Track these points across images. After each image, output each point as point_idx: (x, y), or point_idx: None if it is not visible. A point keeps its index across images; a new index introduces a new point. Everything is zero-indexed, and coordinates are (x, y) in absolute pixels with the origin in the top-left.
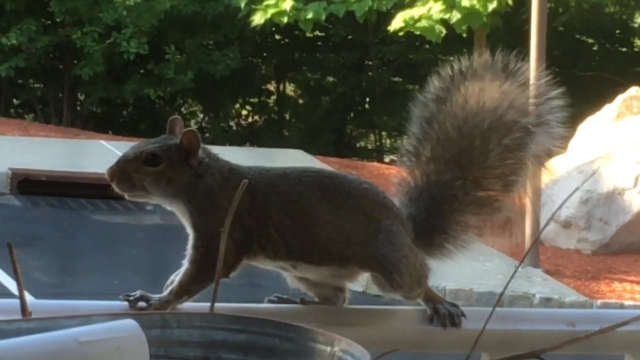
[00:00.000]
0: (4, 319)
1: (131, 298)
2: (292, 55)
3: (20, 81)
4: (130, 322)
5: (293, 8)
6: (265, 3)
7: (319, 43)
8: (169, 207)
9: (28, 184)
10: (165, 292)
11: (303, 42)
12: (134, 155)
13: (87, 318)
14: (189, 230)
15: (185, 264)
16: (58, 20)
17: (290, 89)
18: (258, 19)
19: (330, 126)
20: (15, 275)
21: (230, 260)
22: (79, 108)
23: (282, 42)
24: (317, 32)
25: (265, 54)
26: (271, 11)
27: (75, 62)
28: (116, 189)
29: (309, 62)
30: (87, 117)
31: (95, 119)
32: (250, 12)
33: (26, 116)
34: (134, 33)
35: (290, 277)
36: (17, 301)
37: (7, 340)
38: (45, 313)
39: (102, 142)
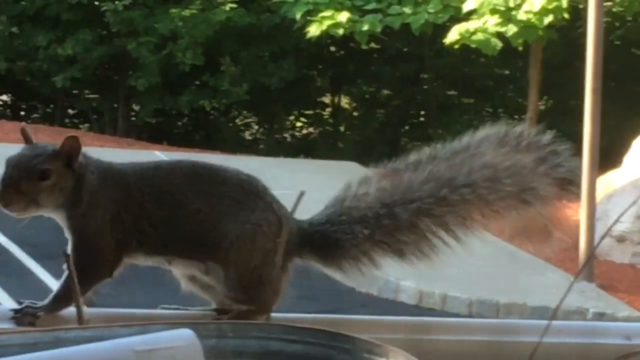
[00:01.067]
0: (61, 327)
1: (18, 315)
2: (347, 67)
3: (75, 91)
4: (186, 332)
5: (349, 20)
6: (321, 15)
7: (375, 55)
8: (48, 215)
9: None
10: (50, 299)
11: (358, 54)
12: (26, 173)
13: (144, 327)
14: (68, 234)
15: (67, 268)
16: (114, 30)
17: (345, 101)
18: (314, 30)
19: (385, 139)
20: (72, 284)
21: (111, 260)
22: (133, 118)
23: (338, 54)
24: (372, 45)
25: (320, 66)
26: (327, 23)
27: (130, 72)
28: (9, 212)
29: (364, 75)
30: (141, 128)
31: (150, 129)
32: (306, 23)
33: (81, 126)
34: (190, 44)
35: (182, 280)
36: (73, 309)
37: (64, 348)
38: (101, 321)
39: (157, 152)
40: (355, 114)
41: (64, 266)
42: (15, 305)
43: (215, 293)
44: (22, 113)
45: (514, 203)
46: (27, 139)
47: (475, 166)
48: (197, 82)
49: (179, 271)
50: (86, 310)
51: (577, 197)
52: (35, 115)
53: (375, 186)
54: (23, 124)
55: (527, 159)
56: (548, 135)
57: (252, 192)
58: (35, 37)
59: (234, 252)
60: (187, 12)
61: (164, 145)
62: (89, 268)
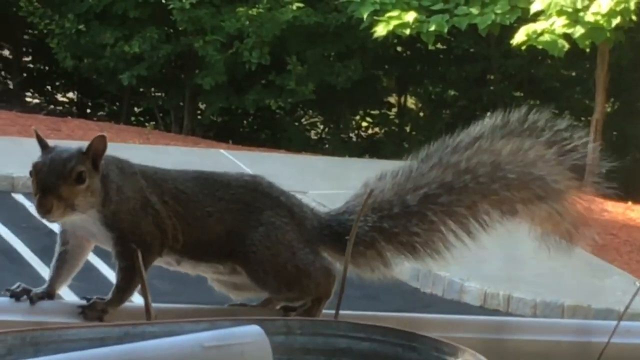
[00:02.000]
0: (130, 322)
1: (86, 310)
2: (413, 67)
3: (141, 89)
4: (254, 328)
5: (416, 20)
6: (388, 15)
7: (441, 56)
8: (75, 218)
9: None
10: (113, 293)
11: (425, 54)
12: (62, 177)
13: (212, 323)
14: (100, 233)
15: (118, 264)
16: (180, 29)
17: (411, 101)
18: (380, 30)
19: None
20: (141, 279)
21: (156, 240)
22: (199, 117)
23: (404, 54)
24: (439, 45)
25: (386, 66)
26: (394, 23)
27: (196, 71)
28: (49, 220)
29: (430, 75)
30: (207, 126)
31: (216, 128)
32: (373, 23)
33: (147, 124)
34: (256, 43)
35: (215, 282)
36: (141, 305)
37: (132, 344)
38: (169, 317)
39: (222, 151)
40: (421, 114)
41: (52, 264)
42: (79, 301)
43: (248, 290)
44: (88, 111)
45: (524, 196)
46: (43, 142)
47: (477, 151)
48: (263, 81)
49: (188, 271)
50: (154, 305)
51: (600, 190)
52: (101, 112)
53: (391, 180)
54: (34, 127)
55: (534, 143)
56: (564, 120)
57: (257, 190)
58: (102, 35)
59: (255, 260)
60: (254, 11)
61: (230, 144)
62: (140, 254)
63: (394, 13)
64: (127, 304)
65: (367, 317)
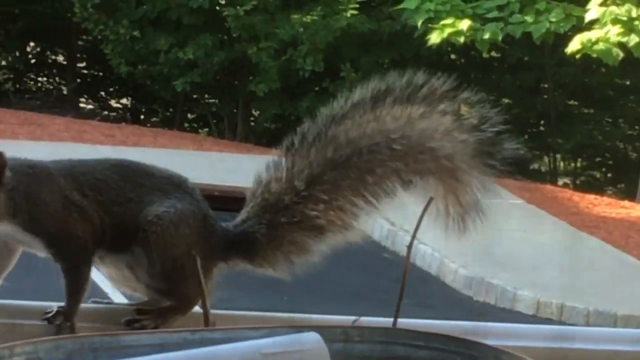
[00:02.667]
0: (188, 328)
1: (49, 316)
2: (467, 75)
3: (195, 96)
4: (313, 336)
5: (470, 28)
6: (442, 22)
7: (495, 64)
8: None
9: None
10: (67, 301)
11: (479, 62)
12: None
13: (271, 330)
14: (26, 240)
15: (61, 267)
16: (234, 35)
17: (465, 109)
18: (434, 38)
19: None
20: (201, 287)
21: (87, 235)
22: (252, 124)
23: (458, 62)
24: (493, 53)
25: (440, 74)
26: (448, 31)
27: (250, 77)
28: None
29: (484, 83)
30: (261, 133)
31: (269, 135)
32: (427, 31)
33: (200, 131)
34: (310, 50)
35: (112, 280)
36: (200, 312)
37: (191, 350)
38: (227, 323)
39: (274, 155)
40: (493, 139)
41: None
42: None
43: (142, 291)
44: (142, 117)
45: (416, 168)
46: None
47: (358, 122)
48: (317, 88)
49: (107, 270)
50: (212, 311)
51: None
52: (154, 118)
53: (278, 169)
54: None
55: (429, 112)
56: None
57: (180, 186)
58: (156, 41)
59: (156, 234)
60: (308, 18)
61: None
62: (74, 253)
63: (448, 21)
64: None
65: (425, 325)
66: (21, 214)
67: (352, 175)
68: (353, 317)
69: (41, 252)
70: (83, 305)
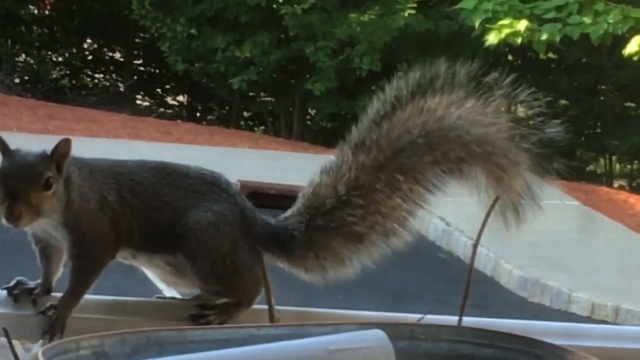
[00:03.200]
0: (254, 324)
1: (49, 313)
2: (524, 76)
3: (251, 94)
4: (378, 333)
5: (527, 29)
6: (500, 23)
7: (552, 65)
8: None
9: (257, 197)
10: (65, 296)
11: (536, 63)
12: (31, 184)
13: (336, 326)
14: (59, 234)
15: (72, 264)
16: (291, 34)
17: (520, 110)
18: (492, 39)
19: (561, 149)
20: (264, 282)
21: (112, 243)
22: (308, 122)
23: (515, 62)
24: (550, 54)
25: (497, 74)
26: (505, 31)
27: (307, 76)
28: (17, 227)
29: (541, 84)
30: (316, 132)
31: (325, 133)
32: (485, 31)
33: (256, 129)
34: (367, 49)
35: (155, 278)
36: (265, 307)
37: (257, 345)
38: (291, 320)
39: (332, 157)
40: (531, 122)
41: (39, 262)
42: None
43: (189, 284)
44: (198, 114)
45: (458, 155)
46: (6, 148)
47: (395, 123)
48: (373, 87)
49: (143, 267)
50: (277, 308)
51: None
52: (210, 116)
53: (327, 173)
54: None
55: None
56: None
57: (215, 184)
58: (213, 39)
59: (196, 239)
60: (365, 18)
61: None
62: (93, 257)
63: (506, 21)
64: (253, 307)
65: (490, 324)
66: (69, 209)
67: (383, 177)
68: (417, 315)
69: (63, 246)
70: (147, 300)
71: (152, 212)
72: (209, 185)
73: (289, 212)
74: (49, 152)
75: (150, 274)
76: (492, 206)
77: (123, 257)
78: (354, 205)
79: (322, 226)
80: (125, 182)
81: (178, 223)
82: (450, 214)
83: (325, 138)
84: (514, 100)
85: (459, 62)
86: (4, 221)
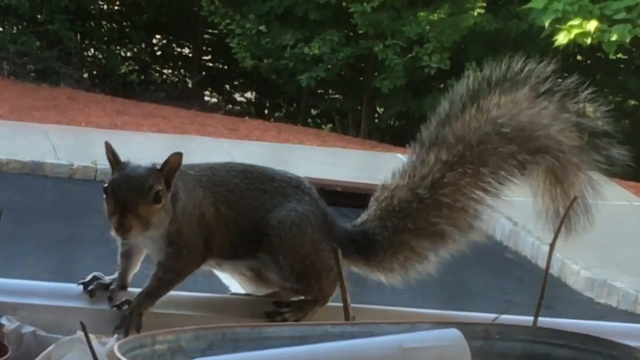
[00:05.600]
0: (329, 322)
1: (124, 307)
2: (593, 76)
3: (319, 91)
4: (454, 332)
5: (597, 29)
6: (569, 23)
7: (622, 66)
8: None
9: (324, 194)
10: (140, 296)
11: (605, 64)
12: (142, 197)
13: (411, 325)
14: (159, 246)
15: (158, 271)
16: (360, 32)
17: (589, 109)
18: (561, 39)
19: (630, 150)
20: (340, 280)
21: (201, 257)
22: (377, 120)
23: (584, 63)
24: (620, 55)
25: (566, 74)
26: (575, 31)
27: (375, 74)
28: (126, 239)
29: (610, 85)
30: (384, 130)
31: (393, 132)
32: (554, 31)
33: (324, 126)
34: (436, 48)
35: (236, 280)
36: (340, 305)
37: (332, 343)
38: (366, 318)
39: (399, 155)
40: (599, 123)
41: (118, 258)
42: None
43: (268, 283)
44: (266, 111)
45: (529, 147)
46: (115, 158)
47: (466, 118)
48: (441, 86)
49: (228, 274)
50: (352, 305)
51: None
52: (278, 113)
53: (403, 175)
54: (106, 140)
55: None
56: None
57: (299, 188)
58: (282, 36)
59: (279, 238)
60: (435, 16)
61: (407, 149)
62: (181, 270)
63: (576, 22)
64: (328, 304)
65: (565, 324)
66: (173, 224)
67: (469, 171)
68: (491, 315)
69: (156, 257)
70: (223, 296)
71: (242, 220)
72: (293, 188)
73: (364, 217)
74: (158, 166)
75: (235, 280)
76: (570, 206)
77: (209, 266)
78: (439, 205)
79: (405, 229)
80: (220, 192)
81: (261, 223)
82: (517, 213)
83: (392, 136)
84: (583, 104)
85: (539, 60)
86: (113, 233)
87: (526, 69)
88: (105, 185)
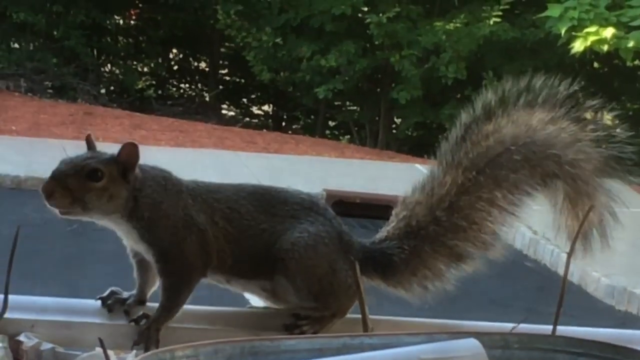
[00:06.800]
0: (348, 333)
1: (141, 322)
2: (611, 84)
3: (337, 103)
4: (472, 342)
5: (614, 36)
6: (586, 30)
7: (639, 73)
8: (102, 224)
9: (342, 206)
10: (157, 311)
11: (623, 70)
12: (74, 170)
13: (429, 336)
14: (140, 247)
15: (162, 281)
16: (377, 43)
17: (607, 117)
18: (578, 46)
19: None
20: (357, 290)
21: (200, 262)
22: (394, 131)
23: (601, 70)
24: (637, 62)
25: (583, 82)
26: (592, 39)
27: (392, 85)
28: (51, 206)
29: (628, 91)
30: (402, 141)
31: (410, 142)
32: (571, 39)
33: (341, 138)
34: (453, 58)
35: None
36: (358, 317)
37: (351, 355)
38: (385, 329)
39: (417, 165)
40: (617, 130)
41: (135, 274)
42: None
43: (286, 302)
44: (283, 124)
45: (538, 172)
46: (90, 146)
47: (479, 139)
48: (459, 96)
49: (238, 290)
50: (370, 317)
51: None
52: (295, 125)
53: (420, 194)
54: (88, 132)
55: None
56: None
57: (312, 209)
58: (298, 48)
59: (295, 261)
60: (451, 26)
61: (425, 159)
62: (181, 275)
63: (592, 29)
64: (346, 316)
65: (584, 332)
66: (139, 219)
67: (483, 195)
68: (510, 324)
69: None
70: (240, 309)
71: (247, 240)
72: (306, 210)
73: (382, 234)
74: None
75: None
76: (586, 215)
77: (217, 281)
78: (456, 228)
79: (422, 250)
80: (219, 208)
81: (274, 247)
82: (536, 222)
83: (411, 147)
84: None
85: (552, 77)
86: (44, 202)
87: (545, 87)
88: None
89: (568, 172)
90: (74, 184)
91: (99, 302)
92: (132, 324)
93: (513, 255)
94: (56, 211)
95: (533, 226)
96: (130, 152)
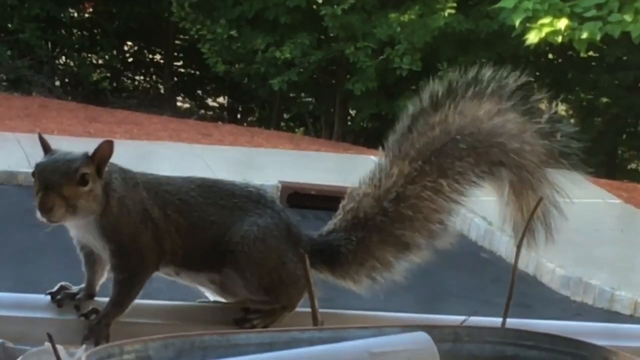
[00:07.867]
0: (297, 327)
1: (91, 317)
2: (565, 75)
3: (292, 95)
4: (422, 335)
5: (568, 27)
6: (540, 22)
7: (593, 63)
8: (73, 224)
9: (297, 198)
10: (108, 306)
11: (577, 62)
12: (66, 177)
13: (379, 329)
14: (98, 243)
15: (114, 275)
16: (332, 35)
17: (562, 108)
18: (532, 37)
19: (602, 148)
20: (307, 283)
21: (154, 256)
22: (349, 123)
23: (555, 61)
24: (591, 53)
25: (537, 73)
26: (546, 30)
27: (347, 77)
28: (48, 219)
29: (582, 83)
30: (357, 132)
31: (366, 134)
32: (525, 30)
33: (297, 130)
34: (407, 49)
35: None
36: (308, 311)
37: (300, 349)
38: (335, 323)
39: (372, 157)
40: (572, 121)
41: (83, 268)
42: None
43: (235, 295)
44: (239, 116)
45: (486, 160)
46: (46, 146)
47: (425, 129)
48: (414, 87)
49: (187, 282)
50: (320, 311)
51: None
52: (251, 117)
53: (368, 186)
54: (38, 131)
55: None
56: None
57: (260, 202)
58: (253, 40)
59: (244, 254)
60: (405, 18)
61: (380, 151)
62: (135, 270)
63: (546, 20)
64: (296, 309)
65: (534, 325)
66: (107, 215)
67: (428, 184)
68: (461, 317)
69: (105, 259)
70: (191, 304)
71: (197, 232)
72: (254, 202)
73: (331, 226)
74: (89, 153)
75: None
76: (535, 208)
77: (166, 274)
78: (402, 217)
79: (370, 240)
80: (171, 200)
81: (223, 240)
82: (492, 213)
83: (366, 138)
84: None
85: (500, 68)
86: (38, 215)
87: (493, 78)
88: (33, 168)
89: (513, 161)
90: (69, 192)
91: (49, 297)
92: (82, 318)
93: (469, 247)
94: (49, 220)
95: (488, 217)
96: (108, 148)
